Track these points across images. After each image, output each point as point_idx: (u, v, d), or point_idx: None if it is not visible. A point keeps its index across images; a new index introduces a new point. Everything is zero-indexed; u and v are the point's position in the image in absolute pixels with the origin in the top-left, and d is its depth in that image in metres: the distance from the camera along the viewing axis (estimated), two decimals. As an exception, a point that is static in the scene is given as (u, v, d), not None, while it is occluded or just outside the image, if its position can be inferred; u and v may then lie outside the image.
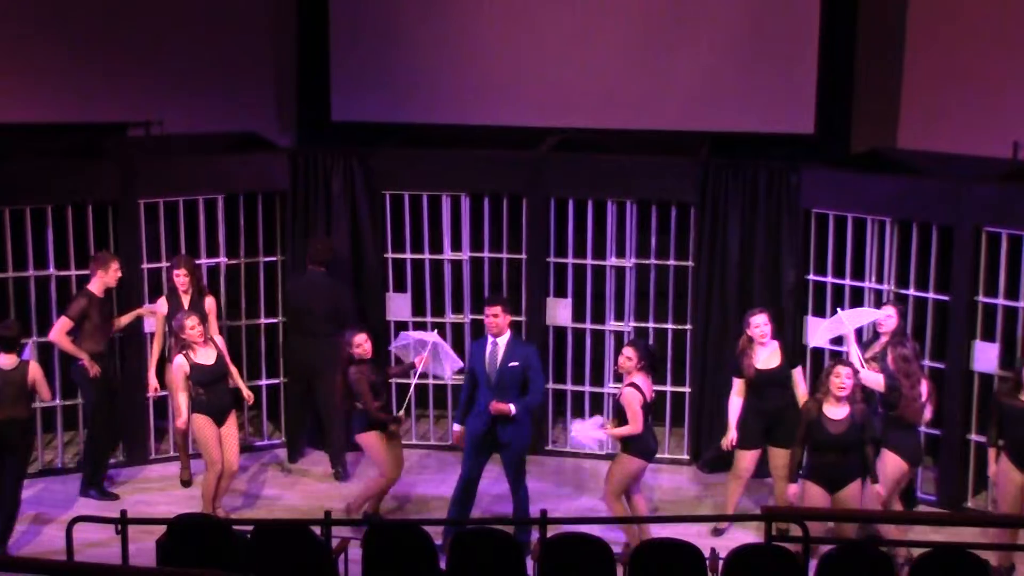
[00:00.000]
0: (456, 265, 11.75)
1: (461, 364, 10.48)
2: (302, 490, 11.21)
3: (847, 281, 10.90)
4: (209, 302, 10.91)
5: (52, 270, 11.18)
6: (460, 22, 12.67)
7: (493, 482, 10.66)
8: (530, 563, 8.45)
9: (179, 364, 10.22)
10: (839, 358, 9.73)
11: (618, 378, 11.32)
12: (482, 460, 10.04)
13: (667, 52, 12.36)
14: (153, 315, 11.04)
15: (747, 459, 10.22)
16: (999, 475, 9.51)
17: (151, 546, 8.56)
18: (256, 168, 11.69)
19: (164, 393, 11.12)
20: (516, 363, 9.85)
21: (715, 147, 11.86)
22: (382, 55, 12.77)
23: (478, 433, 9.93)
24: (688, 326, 11.53)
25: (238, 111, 12.63)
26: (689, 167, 11.36)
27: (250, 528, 8.54)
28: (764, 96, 12.20)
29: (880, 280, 10.83)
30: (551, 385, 11.75)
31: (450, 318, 11.73)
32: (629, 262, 11.52)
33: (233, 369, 10.64)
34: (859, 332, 10.51)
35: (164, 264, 11.29)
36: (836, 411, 9.25)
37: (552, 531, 8.50)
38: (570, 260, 11.59)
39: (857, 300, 10.82)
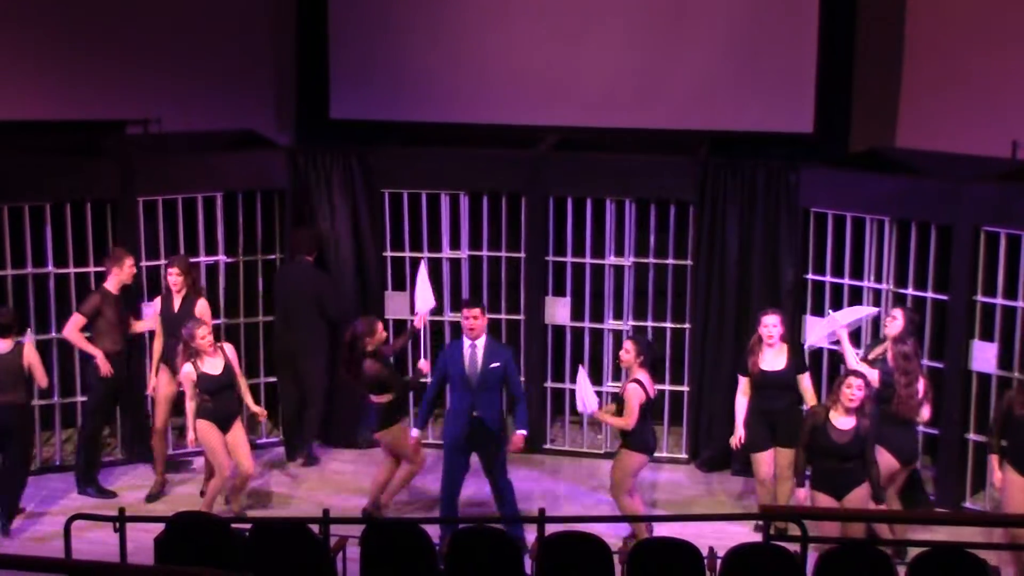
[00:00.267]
0: (455, 264, 11.75)
1: (433, 305, 10.64)
2: (329, 485, 11.22)
3: (846, 280, 10.90)
4: (201, 304, 10.73)
5: (51, 268, 11.17)
6: (459, 21, 12.67)
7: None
8: (528, 562, 8.45)
9: (187, 373, 10.20)
10: (854, 369, 9.61)
11: (616, 376, 11.36)
12: (463, 460, 10.02)
13: (666, 51, 12.35)
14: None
15: (762, 462, 10.14)
16: (1005, 482, 9.45)
17: (149, 544, 8.55)
18: (255, 166, 11.69)
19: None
20: (498, 364, 9.88)
21: (714, 146, 11.87)
22: (381, 53, 12.76)
23: (458, 435, 9.91)
24: (687, 325, 11.53)
25: (237, 109, 12.63)
26: (688, 166, 11.36)
27: (248, 526, 8.54)
28: (763, 95, 12.20)
29: (879, 279, 10.83)
30: (549, 384, 11.77)
31: (448, 317, 11.73)
32: (628, 261, 11.52)
33: (243, 382, 10.50)
34: (857, 333, 10.54)
35: (163, 262, 11.28)
36: (843, 421, 9.18)
37: (550, 529, 8.50)
38: (569, 259, 11.59)
39: (856, 299, 10.82)
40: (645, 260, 11.52)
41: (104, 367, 10.62)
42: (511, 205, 11.62)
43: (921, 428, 10.68)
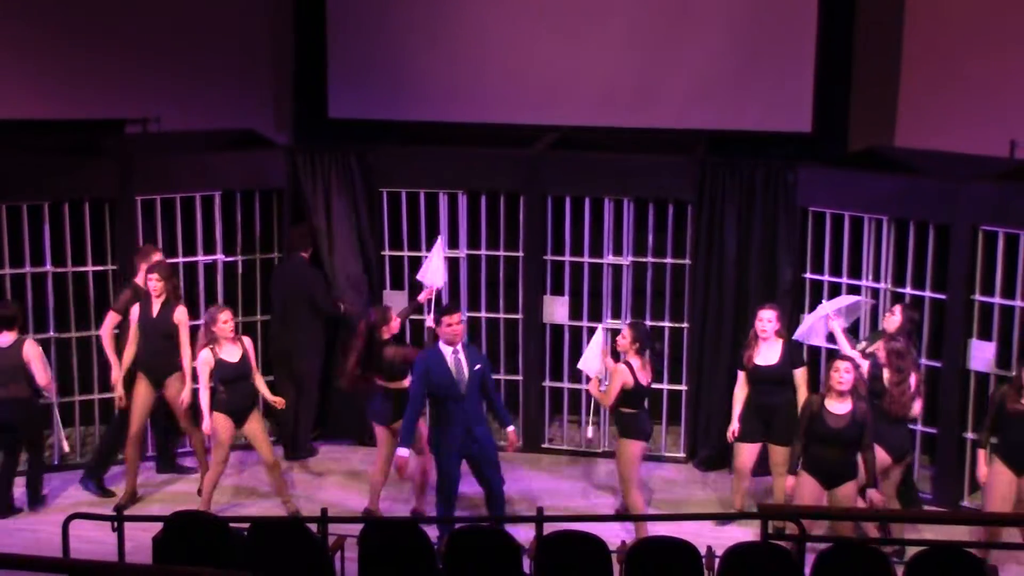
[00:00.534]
0: (453, 263, 11.74)
1: (441, 284, 10.72)
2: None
3: (844, 279, 10.90)
4: (180, 311, 10.60)
5: (49, 267, 11.17)
6: (457, 20, 12.68)
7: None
8: (526, 561, 8.45)
9: (204, 359, 10.17)
10: (839, 353, 9.76)
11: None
12: (459, 463, 9.93)
13: (664, 50, 12.36)
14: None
15: (744, 452, 10.28)
16: (991, 475, 9.50)
17: (148, 543, 8.55)
18: (253, 165, 11.69)
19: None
20: (479, 366, 9.89)
21: (712, 145, 11.88)
22: (380, 53, 12.77)
23: (459, 442, 9.78)
24: (685, 324, 11.53)
25: (236, 108, 12.64)
26: (686, 165, 11.36)
27: (247, 525, 8.53)
28: (761, 94, 12.21)
29: (877, 279, 10.83)
30: (547, 383, 11.77)
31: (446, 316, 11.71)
32: (626, 260, 11.52)
33: (259, 377, 10.46)
34: (856, 328, 10.57)
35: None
36: (838, 406, 9.26)
37: (548, 528, 8.50)
38: (567, 258, 11.59)
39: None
40: (643, 259, 11.52)
41: (117, 386, 10.57)
42: (509, 204, 11.62)
43: (920, 427, 10.73)
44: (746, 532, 10.09)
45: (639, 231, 11.50)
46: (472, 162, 11.66)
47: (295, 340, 11.42)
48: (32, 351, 10.34)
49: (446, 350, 9.75)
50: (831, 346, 10.63)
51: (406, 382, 10.14)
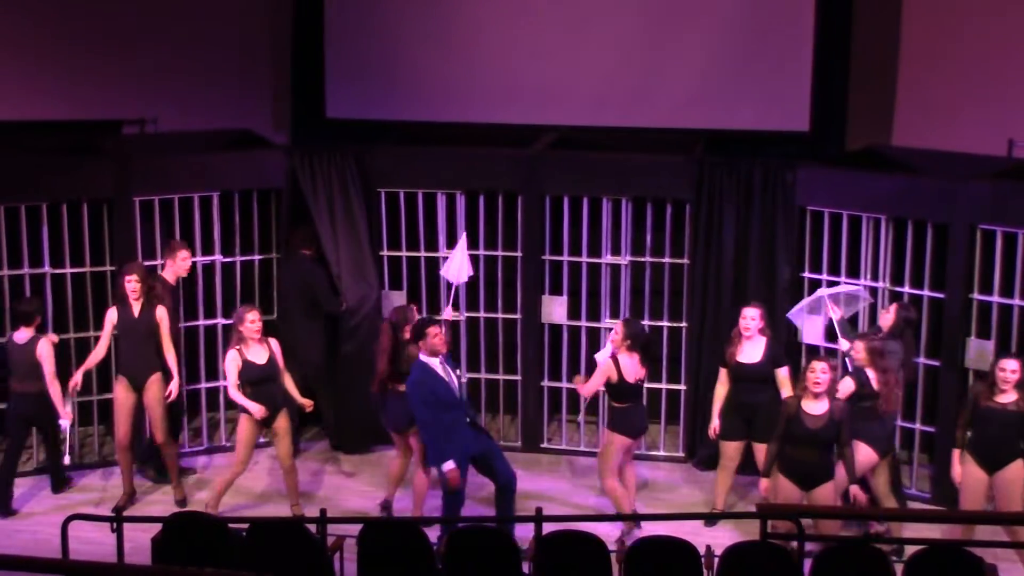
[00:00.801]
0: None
1: (465, 278, 10.78)
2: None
3: (842, 279, 10.90)
4: (160, 312, 10.57)
5: (47, 268, 11.16)
6: (455, 20, 12.68)
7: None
8: (526, 561, 8.45)
9: (232, 359, 10.18)
10: (817, 353, 9.78)
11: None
12: (467, 469, 9.90)
13: (662, 50, 12.37)
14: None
15: (728, 449, 10.37)
16: (964, 476, 9.53)
17: (147, 544, 8.55)
18: (251, 166, 11.68)
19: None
20: (459, 369, 9.91)
21: (710, 145, 11.88)
22: (377, 53, 12.78)
23: (468, 446, 9.76)
24: (683, 324, 11.53)
25: (233, 108, 12.64)
26: (684, 165, 11.36)
27: (246, 526, 8.53)
28: (759, 94, 12.22)
29: (875, 278, 10.84)
30: (546, 383, 11.77)
31: (446, 316, 11.72)
32: (624, 260, 11.52)
33: (288, 378, 10.43)
34: (855, 320, 10.59)
35: (159, 262, 11.28)
36: (815, 407, 9.26)
37: (547, 528, 8.50)
38: (565, 258, 11.59)
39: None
40: (642, 259, 11.52)
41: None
42: (507, 204, 11.62)
43: (919, 426, 10.74)
44: (735, 532, 10.09)
45: (637, 231, 11.50)
46: (470, 162, 11.66)
47: (295, 336, 11.43)
48: (44, 350, 10.40)
49: (432, 362, 9.73)
50: (829, 345, 10.65)
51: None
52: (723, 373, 10.35)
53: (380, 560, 8.31)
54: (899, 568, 8.02)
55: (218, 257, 11.59)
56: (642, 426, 10.25)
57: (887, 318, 10.12)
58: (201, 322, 11.58)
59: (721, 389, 10.34)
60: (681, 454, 11.70)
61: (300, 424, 11.55)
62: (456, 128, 12.59)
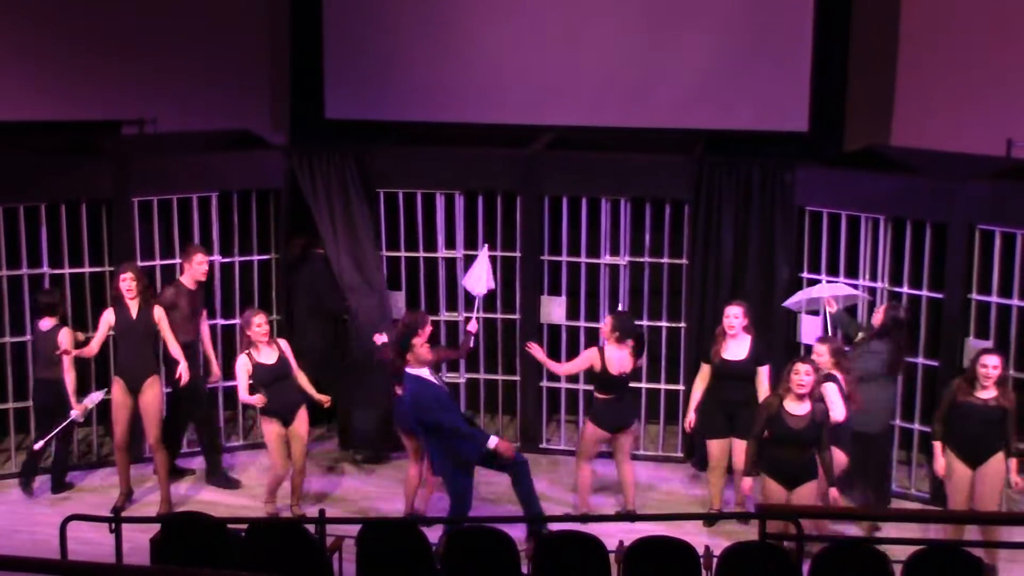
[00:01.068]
0: (450, 263, 11.74)
1: (485, 292, 10.77)
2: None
3: (841, 279, 10.90)
4: (157, 312, 10.54)
5: (46, 268, 11.16)
6: (454, 20, 12.68)
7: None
8: (524, 562, 8.45)
9: (242, 363, 10.20)
10: (800, 355, 9.78)
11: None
12: (473, 473, 9.90)
13: (661, 50, 12.36)
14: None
15: (715, 448, 10.43)
16: (950, 473, 9.58)
17: (145, 544, 8.55)
18: (250, 166, 11.67)
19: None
20: (440, 373, 9.95)
21: (709, 145, 11.88)
22: (376, 53, 12.77)
23: (475, 454, 9.81)
24: (682, 324, 11.53)
25: (232, 109, 12.64)
26: (683, 165, 11.36)
27: (244, 527, 8.53)
28: (758, 94, 12.22)
29: (874, 278, 10.84)
30: (545, 383, 11.76)
31: (444, 316, 11.73)
32: (623, 260, 11.52)
33: (301, 376, 10.45)
34: (854, 314, 10.63)
35: (158, 262, 11.28)
36: (797, 407, 9.27)
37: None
38: (564, 258, 11.59)
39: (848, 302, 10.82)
40: (640, 259, 11.52)
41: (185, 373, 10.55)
42: (506, 204, 11.62)
43: (917, 426, 10.75)
44: (743, 532, 10.09)
45: (636, 231, 11.50)
46: (469, 162, 11.66)
47: (304, 339, 11.48)
48: (64, 340, 10.48)
49: (425, 373, 9.73)
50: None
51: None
52: (704, 369, 10.40)
53: (379, 560, 8.31)
54: (898, 568, 8.02)
55: (217, 258, 11.57)
56: (619, 422, 10.28)
57: (876, 317, 10.16)
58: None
59: (700, 384, 10.42)
60: (680, 454, 11.69)
61: (311, 424, 11.51)
62: (455, 128, 12.59)
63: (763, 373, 10.25)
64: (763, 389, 10.15)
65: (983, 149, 11.09)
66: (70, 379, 10.49)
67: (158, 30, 12.60)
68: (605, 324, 10.31)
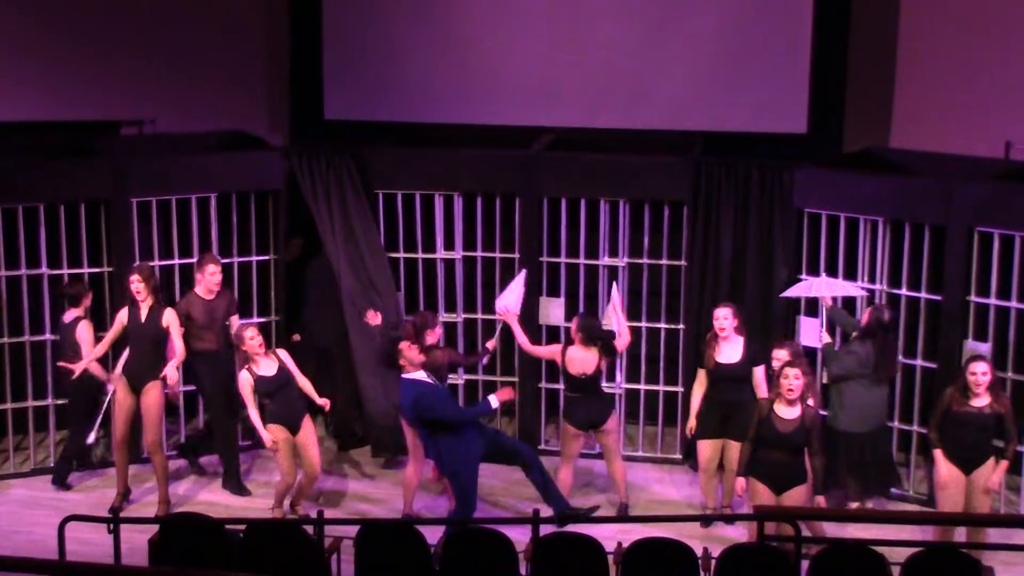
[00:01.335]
0: (449, 264, 11.75)
1: (516, 310, 10.77)
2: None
3: (839, 280, 10.90)
4: (168, 314, 10.56)
5: (44, 269, 11.16)
6: (452, 21, 12.69)
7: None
8: (523, 563, 8.45)
9: (244, 380, 10.21)
10: (790, 360, 9.73)
11: (612, 373, 11.39)
12: (477, 470, 9.93)
13: (660, 51, 12.37)
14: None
15: (706, 449, 10.43)
16: (947, 478, 9.57)
17: (143, 545, 8.55)
18: (249, 167, 11.67)
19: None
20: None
21: (708, 146, 11.88)
22: (375, 54, 12.77)
23: (478, 443, 9.83)
24: (681, 325, 11.53)
25: (231, 110, 12.64)
26: (682, 166, 11.36)
27: (242, 527, 8.53)
28: (757, 95, 12.23)
29: (872, 280, 10.84)
30: (544, 385, 11.76)
31: (443, 317, 11.72)
32: (622, 261, 11.52)
33: (303, 379, 10.45)
34: (852, 310, 10.68)
35: (157, 263, 11.27)
36: (787, 411, 9.28)
37: (545, 530, 8.50)
38: (563, 259, 11.60)
39: (849, 300, 10.83)
40: (639, 260, 11.52)
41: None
42: (505, 206, 11.62)
43: (916, 427, 10.75)
44: (741, 533, 10.10)
45: (635, 232, 11.50)
46: (468, 163, 11.66)
47: (316, 330, 11.57)
48: (83, 332, 10.61)
49: (422, 375, 9.80)
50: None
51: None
52: (701, 374, 10.42)
53: (377, 561, 8.31)
54: (896, 570, 8.02)
55: (216, 258, 11.58)
56: (590, 418, 10.34)
57: (863, 318, 10.20)
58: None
59: (699, 389, 10.42)
60: (678, 456, 11.69)
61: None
62: (454, 129, 12.59)
63: (759, 374, 10.26)
64: (760, 390, 10.16)
65: (982, 151, 11.10)
66: (94, 367, 10.63)
67: (157, 31, 12.60)
68: (572, 323, 10.39)
